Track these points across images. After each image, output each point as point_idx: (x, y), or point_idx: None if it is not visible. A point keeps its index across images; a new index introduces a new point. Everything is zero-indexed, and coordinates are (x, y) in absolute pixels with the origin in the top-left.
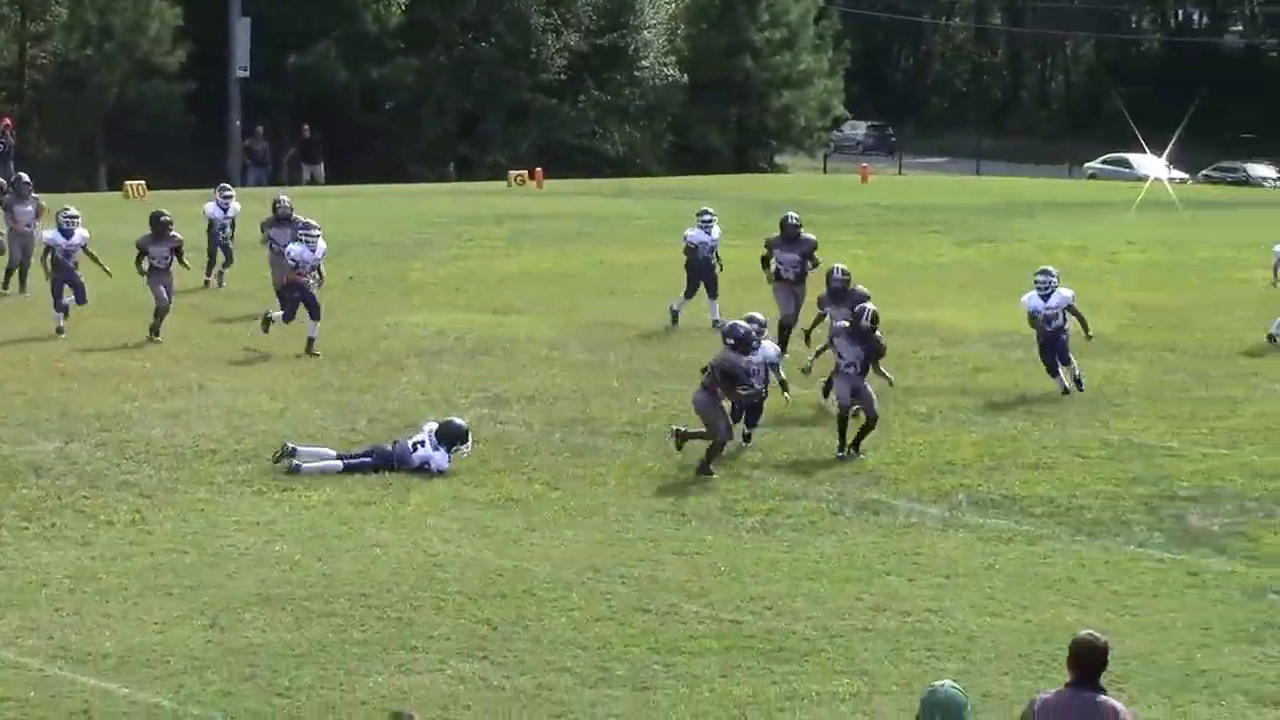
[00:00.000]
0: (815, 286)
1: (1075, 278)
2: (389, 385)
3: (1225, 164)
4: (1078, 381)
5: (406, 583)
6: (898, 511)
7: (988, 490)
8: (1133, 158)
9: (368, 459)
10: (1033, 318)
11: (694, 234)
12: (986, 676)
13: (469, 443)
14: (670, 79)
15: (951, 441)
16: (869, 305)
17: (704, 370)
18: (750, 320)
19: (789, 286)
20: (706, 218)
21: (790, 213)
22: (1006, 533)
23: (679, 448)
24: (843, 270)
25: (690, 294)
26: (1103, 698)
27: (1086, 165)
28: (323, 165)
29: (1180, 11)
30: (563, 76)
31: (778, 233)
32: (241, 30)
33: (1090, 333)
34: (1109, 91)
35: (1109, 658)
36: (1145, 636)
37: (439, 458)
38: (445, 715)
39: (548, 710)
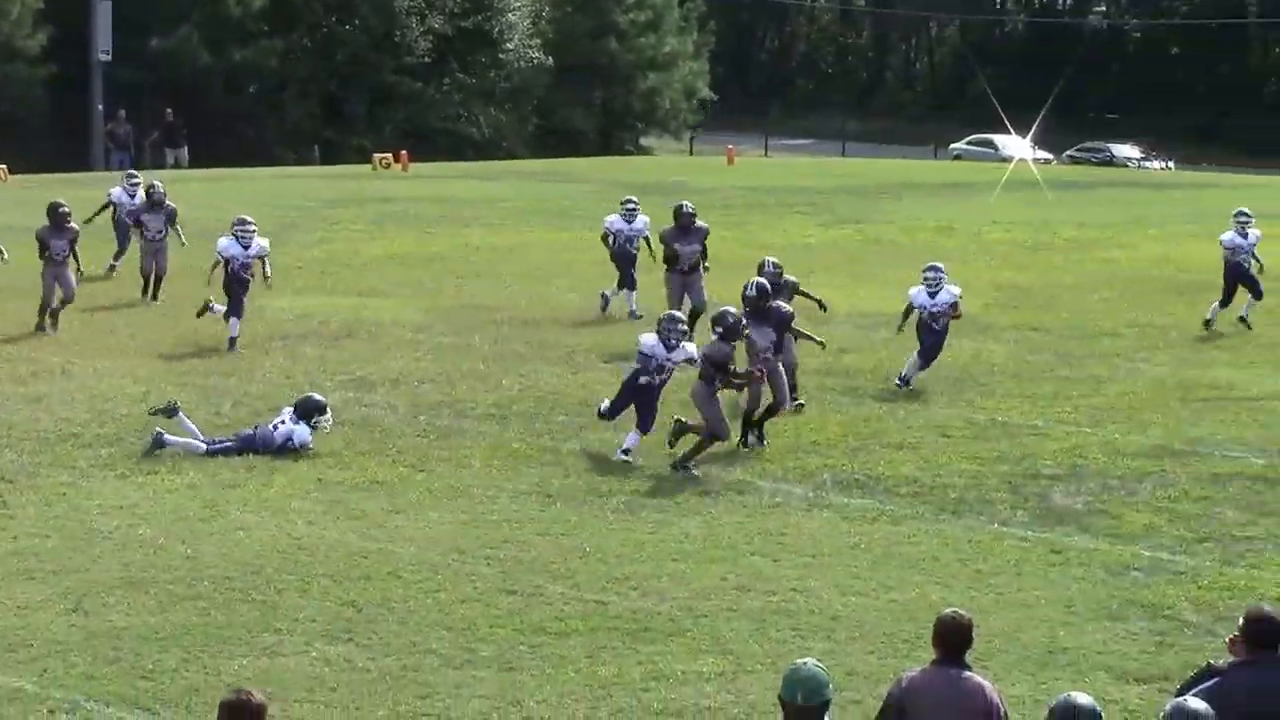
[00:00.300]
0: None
1: (941, 258)
2: (253, 369)
3: (1090, 144)
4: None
5: (271, 565)
6: (763, 492)
7: (852, 470)
8: (997, 138)
9: (230, 444)
10: (916, 311)
11: (612, 220)
12: (851, 655)
13: (328, 415)
14: (535, 61)
15: (816, 422)
16: (756, 279)
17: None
18: (673, 320)
19: (682, 277)
20: (630, 206)
21: (684, 201)
22: (871, 512)
23: (672, 444)
24: (774, 264)
25: (624, 284)
26: (968, 674)
27: (952, 146)
28: (186, 149)
29: None
30: (427, 59)
31: (671, 223)
32: (102, 13)
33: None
34: (974, 73)
35: (974, 635)
36: (1008, 614)
37: (300, 431)
38: (310, 698)
39: (413, 692)
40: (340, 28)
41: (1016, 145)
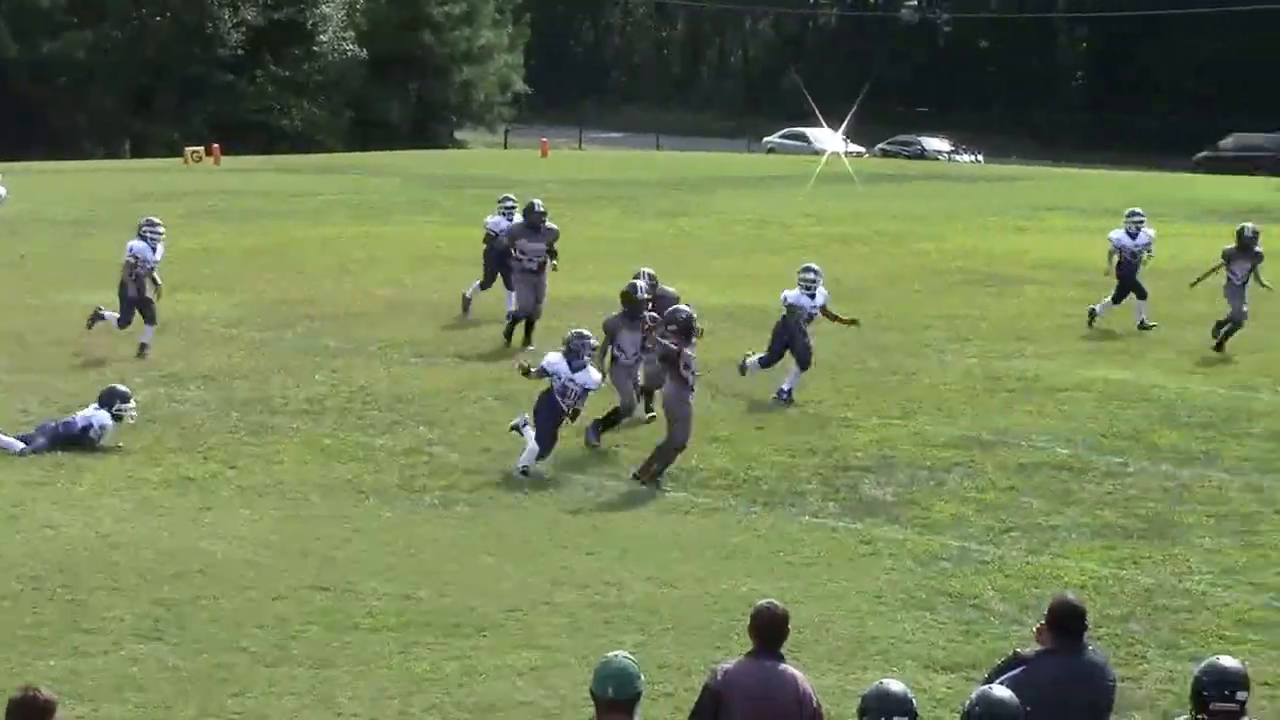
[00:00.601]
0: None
1: (755, 250)
2: (62, 365)
3: (901, 138)
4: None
5: (79, 564)
6: (576, 486)
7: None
8: (810, 132)
9: (43, 442)
10: (793, 310)
11: (495, 221)
12: (665, 647)
13: (131, 403)
14: (349, 54)
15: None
16: (638, 283)
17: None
18: (579, 337)
19: (531, 277)
20: (509, 204)
21: (536, 200)
22: (684, 505)
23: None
24: (650, 275)
25: (487, 284)
26: (784, 666)
27: (765, 140)
28: None
29: None
30: (240, 52)
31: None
32: None
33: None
34: (787, 66)
35: (789, 626)
36: (819, 605)
37: (99, 416)
38: (120, 697)
39: (226, 690)
40: (150, 20)
41: (829, 138)
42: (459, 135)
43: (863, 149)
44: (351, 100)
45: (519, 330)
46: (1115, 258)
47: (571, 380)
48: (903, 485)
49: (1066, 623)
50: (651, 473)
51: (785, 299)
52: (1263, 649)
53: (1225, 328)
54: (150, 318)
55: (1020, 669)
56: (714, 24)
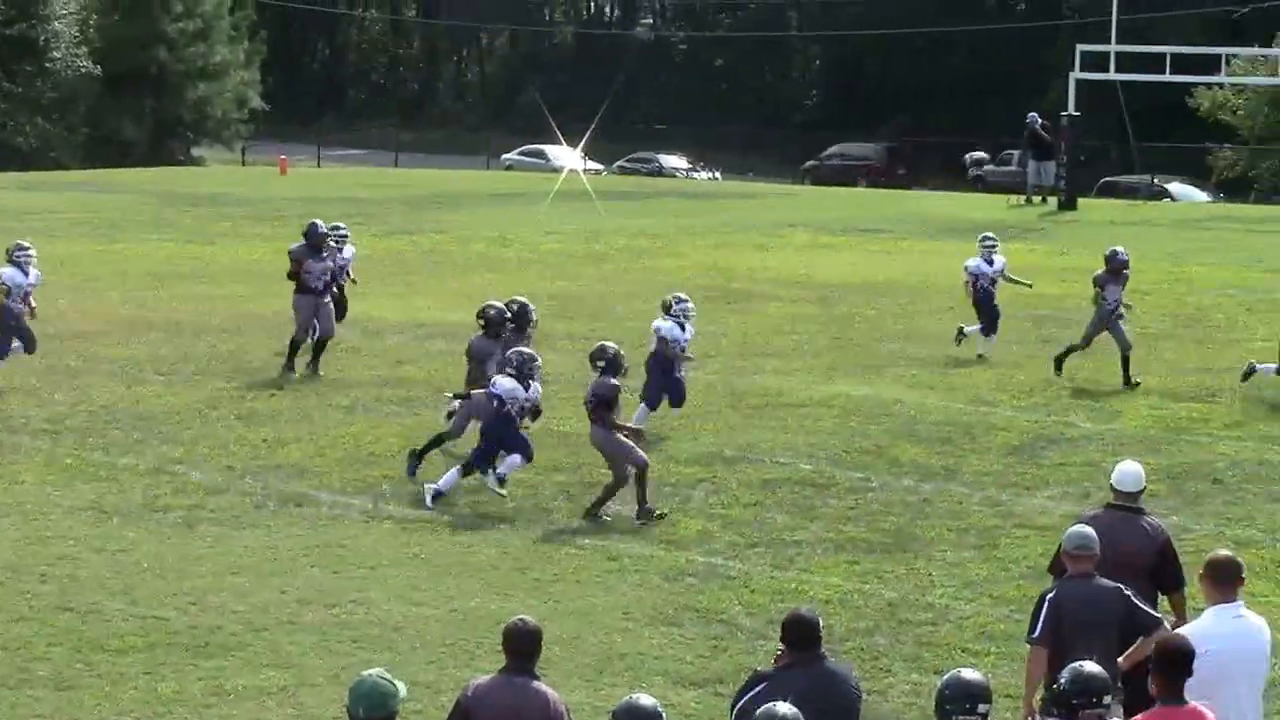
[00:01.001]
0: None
1: (496, 269)
2: None
3: (639, 155)
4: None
5: None
6: (321, 504)
7: (410, 481)
8: (549, 149)
9: None
10: (665, 342)
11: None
12: (414, 665)
13: None
14: (83, 70)
15: (374, 433)
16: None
17: (585, 403)
18: (528, 359)
19: (315, 298)
20: (342, 233)
21: (316, 220)
22: (431, 522)
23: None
24: (522, 303)
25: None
26: (535, 683)
27: (504, 157)
28: None
29: (593, 4)
30: None
31: (302, 240)
32: None
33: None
34: (525, 83)
35: (540, 643)
36: (567, 621)
37: None
38: None
39: None
40: None
41: (567, 156)
42: (196, 152)
43: (601, 166)
44: (86, 117)
45: (306, 352)
46: (971, 285)
47: (528, 399)
48: (647, 500)
49: (799, 637)
50: (594, 509)
51: (658, 331)
52: (1004, 661)
53: (1121, 359)
54: (30, 346)
55: (762, 686)
56: (451, 41)
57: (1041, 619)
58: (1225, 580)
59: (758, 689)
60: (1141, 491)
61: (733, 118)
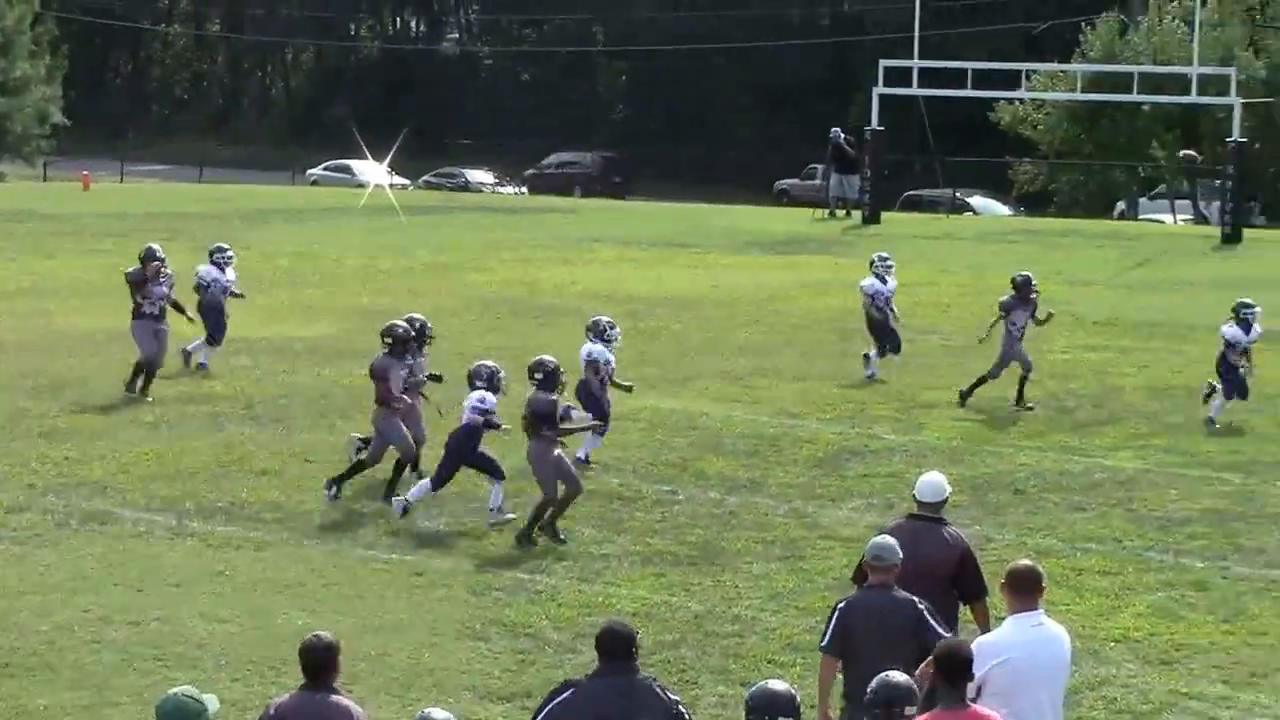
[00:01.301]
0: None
1: (301, 285)
2: None
3: (445, 170)
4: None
5: None
6: (125, 521)
7: (216, 497)
8: (355, 164)
9: None
10: (596, 366)
11: (205, 271)
12: (219, 683)
13: None
14: None
15: (178, 449)
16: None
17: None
18: (495, 371)
19: (152, 323)
20: (227, 255)
21: (153, 244)
22: (236, 539)
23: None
24: (422, 320)
25: (211, 339)
26: (335, 698)
27: (310, 172)
28: None
29: (399, 19)
30: None
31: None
32: None
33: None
34: (331, 98)
35: (337, 658)
36: (375, 637)
37: None
38: None
39: None
40: None
41: (373, 171)
42: None
43: (407, 181)
44: None
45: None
46: (868, 305)
47: (493, 409)
48: (455, 516)
49: (613, 646)
50: (528, 531)
51: (588, 355)
52: (810, 671)
53: (1019, 380)
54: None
55: (569, 692)
56: (254, 56)
57: (831, 628)
58: (1025, 589)
59: (563, 695)
60: (944, 502)
61: (540, 132)
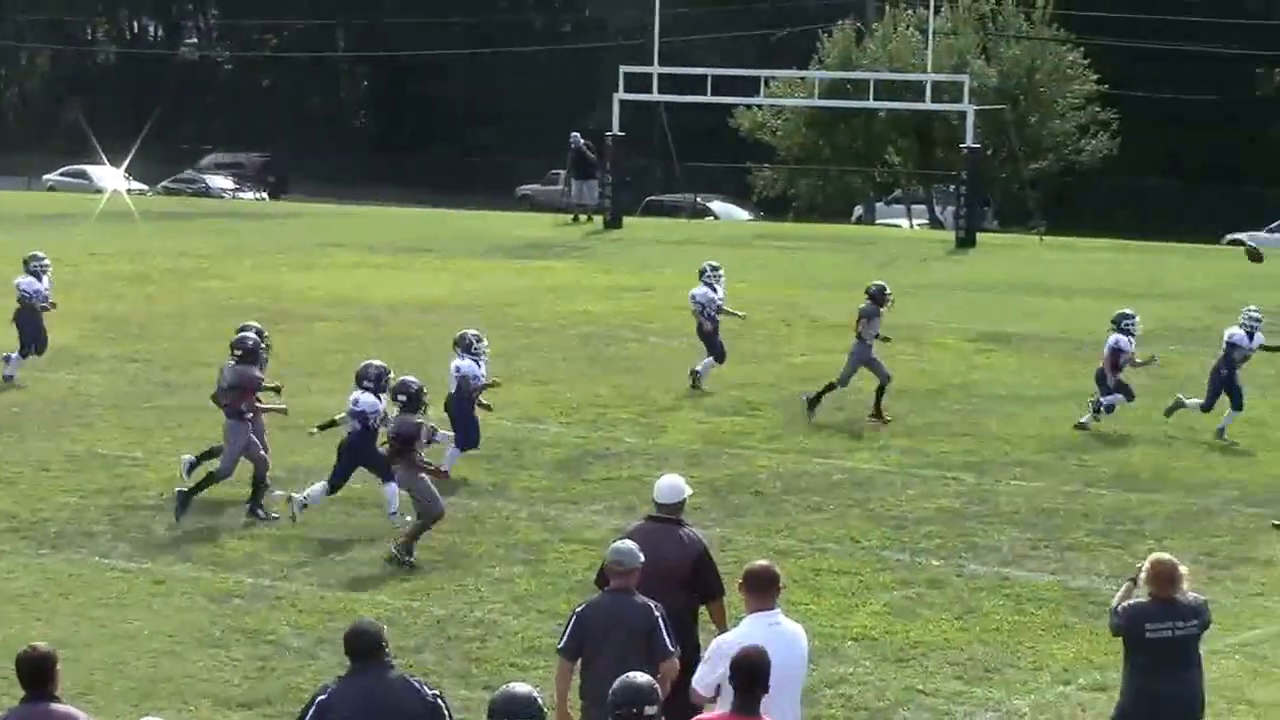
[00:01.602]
0: None
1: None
2: None
3: (185, 175)
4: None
5: None
6: None
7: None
8: (92, 169)
9: None
10: (466, 380)
11: (26, 283)
12: None
13: None
14: None
15: None
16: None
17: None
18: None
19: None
20: (44, 263)
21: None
22: None
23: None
24: (259, 329)
25: (25, 350)
26: (58, 706)
27: (46, 177)
28: None
29: (136, 24)
30: None
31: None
32: None
33: None
34: (67, 103)
35: (55, 666)
36: (112, 646)
37: None
38: None
39: None
40: None
41: (111, 176)
42: None
43: (145, 187)
44: None
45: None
46: (699, 315)
47: (374, 411)
48: (199, 521)
49: (360, 646)
50: (404, 547)
51: (458, 370)
52: (552, 674)
53: (878, 389)
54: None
55: (321, 696)
56: None
57: (569, 631)
58: (762, 588)
59: (318, 700)
60: (682, 503)
61: (281, 137)
